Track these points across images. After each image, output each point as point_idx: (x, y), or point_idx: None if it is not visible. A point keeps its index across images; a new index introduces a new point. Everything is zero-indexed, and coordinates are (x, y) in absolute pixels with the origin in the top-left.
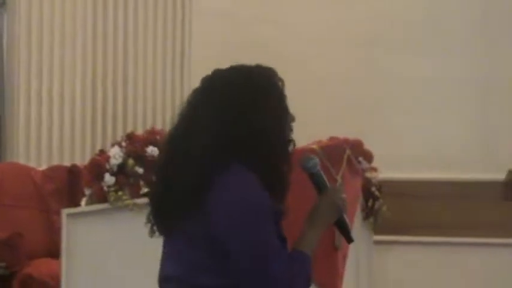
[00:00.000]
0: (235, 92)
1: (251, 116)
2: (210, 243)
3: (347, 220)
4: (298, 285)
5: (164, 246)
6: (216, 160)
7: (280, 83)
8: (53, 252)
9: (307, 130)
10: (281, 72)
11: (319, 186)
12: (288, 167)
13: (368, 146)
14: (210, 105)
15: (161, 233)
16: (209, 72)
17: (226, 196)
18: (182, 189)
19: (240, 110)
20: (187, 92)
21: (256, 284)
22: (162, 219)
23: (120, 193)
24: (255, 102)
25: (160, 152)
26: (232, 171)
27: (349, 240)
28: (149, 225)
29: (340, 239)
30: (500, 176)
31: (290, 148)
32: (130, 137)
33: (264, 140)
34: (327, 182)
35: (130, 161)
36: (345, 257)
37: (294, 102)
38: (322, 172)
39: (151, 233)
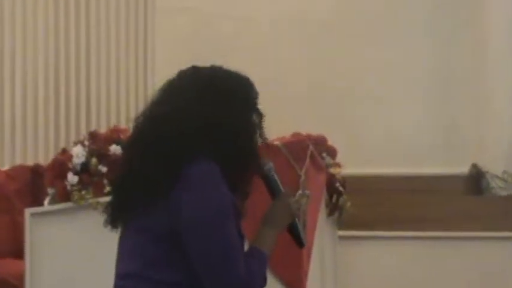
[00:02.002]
0: (210, 92)
1: (224, 117)
2: (172, 238)
3: (299, 225)
4: (256, 282)
5: (121, 243)
6: (183, 154)
7: (255, 93)
8: (18, 252)
9: (270, 126)
10: (243, 67)
11: (273, 190)
12: (254, 168)
13: (331, 141)
14: (185, 100)
15: (121, 225)
16: (173, 69)
17: (190, 193)
18: (149, 180)
19: (212, 109)
20: (151, 90)
21: (216, 280)
22: (124, 211)
23: (83, 192)
24: (229, 104)
25: (125, 146)
26: (199, 166)
27: (301, 245)
28: (108, 216)
29: (304, 235)
30: (464, 169)
31: (257, 150)
32: (93, 136)
33: (233, 141)
34: (281, 186)
35: (94, 160)
36: (309, 253)
37: (260, 96)
38: (276, 176)
39: (110, 226)
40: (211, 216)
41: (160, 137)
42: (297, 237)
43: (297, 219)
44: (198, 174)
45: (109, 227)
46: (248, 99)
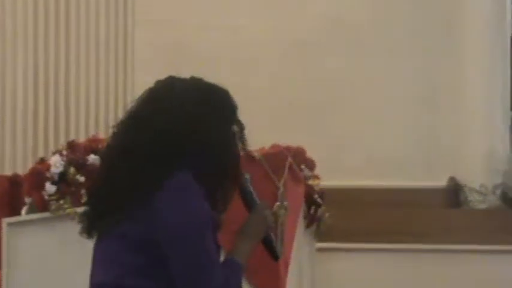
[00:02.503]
0: (192, 105)
1: (202, 129)
2: (148, 246)
3: (273, 238)
4: None
5: (96, 253)
6: (164, 164)
7: (234, 106)
8: None
9: (250, 137)
10: (224, 78)
11: (249, 202)
12: (233, 180)
13: (310, 153)
14: (164, 110)
15: (96, 234)
16: (152, 81)
17: (169, 202)
18: (127, 189)
19: (194, 122)
20: (130, 99)
21: None
22: (100, 219)
23: (61, 202)
24: (211, 118)
25: (103, 154)
26: (179, 177)
27: (276, 257)
28: (83, 224)
29: (281, 247)
30: (442, 183)
31: (237, 162)
32: (71, 146)
33: (211, 153)
34: (257, 199)
35: (72, 170)
36: (287, 264)
37: (239, 107)
38: (252, 188)
39: (86, 234)
40: (190, 227)
41: (139, 146)
42: (272, 250)
43: (272, 233)
44: (177, 184)
45: (85, 235)
46: (227, 112)
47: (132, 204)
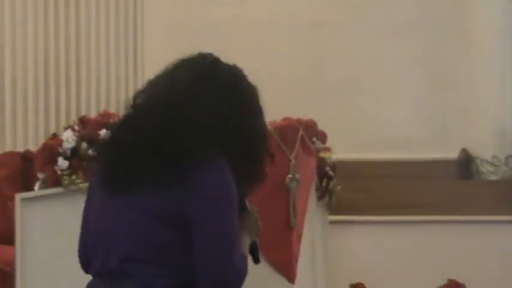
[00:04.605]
0: (223, 90)
1: (238, 113)
2: (179, 223)
3: (258, 243)
4: (243, 278)
5: (116, 215)
6: (201, 147)
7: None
8: (8, 239)
9: (265, 110)
10: (237, 54)
11: (241, 205)
12: (263, 163)
13: (322, 127)
14: (212, 93)
15: (120, 192)
16: (163, 56)
17: (206, 178)
18: (162, 161)
19: (227, 107)
20: (140, 75)
21: (218, 274)
22: (135, 179)
23: (73, 177)
24: (241, 101)
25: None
26: (216, 158)
27: (257, 261)
28: (111, 175)
29: (295, 218)
30: (453, 154)
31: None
32: (83, 121)
33: (247, 136)
34: (248, 206)
35: (84, 145)
36: (299, 236)
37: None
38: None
39: (111, 187)
40: (225, 201)
41: (189, 120)
42: (256, 254)
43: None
44: (214, 163)
45: (108, 187)
46: (259, 102)
47: (165, 177)
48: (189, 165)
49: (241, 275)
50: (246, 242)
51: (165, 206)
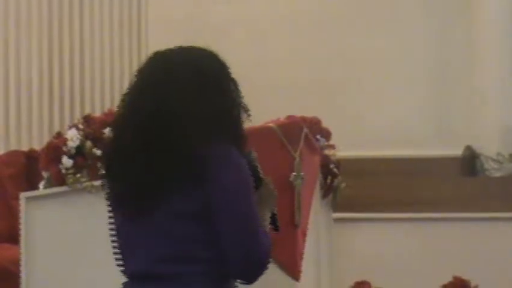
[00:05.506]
0: (209, 76)
1: (221, 97)
2: (202, 214)
3: (277, 211)
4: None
5: (134, 230)
6: (210, 136)
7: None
8: (14, 237)
9: (267, 109)
10: (241, 52)
11: (255, 178)
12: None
13: (327, 124)
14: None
15: (137, 213)
16: None
17: (222, 166)
18: (178, 160)
19: (210, 92)
20: None
21: (246, 255)
22: (145, 197)
23: (78, 175)
24: (224, 85)
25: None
26: (223, 146)
27: (277, 229)
28: (136, 195)
29: (299, 216)
30: (457, 151)
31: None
32: (87, 119)
33: (229, 120)
34: (262, 175)
35: (88, 143)
36: (304, 234)
37: (254, 81)
38: (258, 166)
39: (140, 210)
40: (244, 186)
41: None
42: (275, 222)
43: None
44: (231, 154)
45: (138, 209)
46: (236, 84)
47: (180, 175)
48: (199, 158)
49: (267, 255)
50: (266, 218)
51: (188, 203)
